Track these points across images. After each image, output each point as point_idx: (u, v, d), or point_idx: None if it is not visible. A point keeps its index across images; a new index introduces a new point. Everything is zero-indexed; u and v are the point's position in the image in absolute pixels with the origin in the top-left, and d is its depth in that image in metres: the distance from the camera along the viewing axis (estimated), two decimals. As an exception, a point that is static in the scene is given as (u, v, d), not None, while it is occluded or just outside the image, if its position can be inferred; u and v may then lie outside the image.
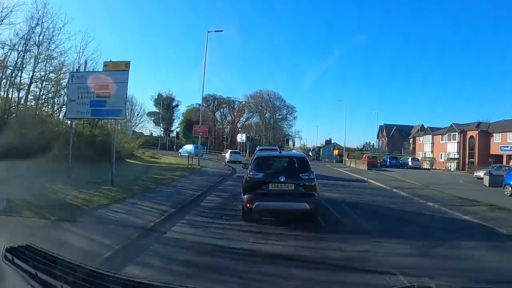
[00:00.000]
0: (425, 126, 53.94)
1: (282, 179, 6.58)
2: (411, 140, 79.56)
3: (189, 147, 32.77)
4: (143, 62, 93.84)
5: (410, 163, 37.75)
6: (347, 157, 44.27)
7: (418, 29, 77.80)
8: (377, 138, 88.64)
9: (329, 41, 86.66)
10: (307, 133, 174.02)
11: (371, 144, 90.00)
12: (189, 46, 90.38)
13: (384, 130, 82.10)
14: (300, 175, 6.78)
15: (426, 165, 42.50)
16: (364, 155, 40.56)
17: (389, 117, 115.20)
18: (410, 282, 1.54)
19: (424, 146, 49.28)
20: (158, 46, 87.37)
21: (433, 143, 47.21)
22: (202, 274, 4.12)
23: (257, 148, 15.50)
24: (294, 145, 54.54)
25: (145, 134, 73.19)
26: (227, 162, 29.33)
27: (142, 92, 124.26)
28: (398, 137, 79.62)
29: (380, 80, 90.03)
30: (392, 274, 4.08)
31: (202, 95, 25.84)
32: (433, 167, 41.60)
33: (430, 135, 47.81)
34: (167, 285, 1.44)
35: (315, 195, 6.68)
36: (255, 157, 7.74)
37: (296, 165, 7.37)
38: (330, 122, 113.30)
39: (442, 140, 45.16)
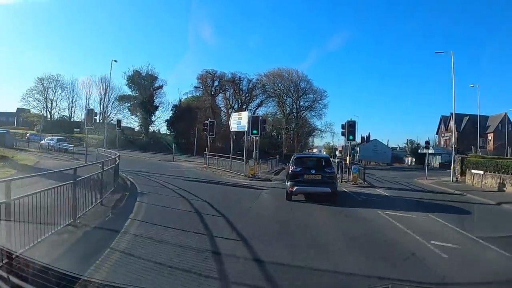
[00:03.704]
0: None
1: (313, 171, 10.32)
2: (490, 136, 57.69)
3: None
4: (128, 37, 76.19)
5: None
6: (461, 166, 20.97)
7: None
8: (436, 133, 65.41)
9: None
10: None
11: (410, 140, 65.64)
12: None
13: (451, 122, 58.58)
14: (325, 169, 10.51)
15: None
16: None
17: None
18: (385, 283, 1.66)
19: None
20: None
21: None
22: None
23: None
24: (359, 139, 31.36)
25: (129, 127, 53.24)
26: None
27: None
28: (472, 131, 57.60)
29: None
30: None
31: None
32: None
33: None
34: None
35: (335, 182, 10.52)
36: (294, 157, 11.46)
37: (322, 162, 11.13)
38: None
39: None
